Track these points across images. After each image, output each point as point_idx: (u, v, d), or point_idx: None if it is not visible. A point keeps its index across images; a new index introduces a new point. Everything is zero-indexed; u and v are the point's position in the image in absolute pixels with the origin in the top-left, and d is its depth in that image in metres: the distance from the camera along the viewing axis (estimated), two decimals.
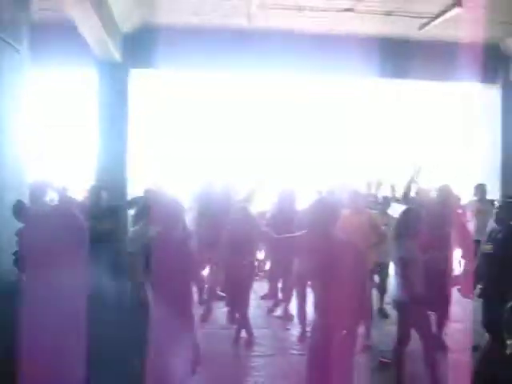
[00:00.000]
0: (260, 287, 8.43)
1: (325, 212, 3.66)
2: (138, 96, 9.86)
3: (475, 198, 8.52)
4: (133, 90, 9.41)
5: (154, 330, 3.67)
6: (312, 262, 3.81)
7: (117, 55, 8.59)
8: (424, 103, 14.17)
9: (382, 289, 7.57)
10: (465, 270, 7.12)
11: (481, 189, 8.59)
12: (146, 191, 6.93)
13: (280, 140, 15.82)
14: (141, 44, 8.84)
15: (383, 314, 7.39)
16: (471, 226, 7.40)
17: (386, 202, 7.67)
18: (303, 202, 7.07)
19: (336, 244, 3.58)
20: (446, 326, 6.39)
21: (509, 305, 2.15)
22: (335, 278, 3.48)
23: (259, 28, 8.84)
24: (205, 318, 7.22)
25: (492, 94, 10.38)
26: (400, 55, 9.49)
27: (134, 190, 9.34)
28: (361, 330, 5.53)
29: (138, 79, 9.71)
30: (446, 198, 6.30)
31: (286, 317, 7.45)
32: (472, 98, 11.39)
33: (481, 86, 10.50)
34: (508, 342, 2.09)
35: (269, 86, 13.19)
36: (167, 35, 8.69)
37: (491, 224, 6.06)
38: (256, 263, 7.37)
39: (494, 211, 5.77)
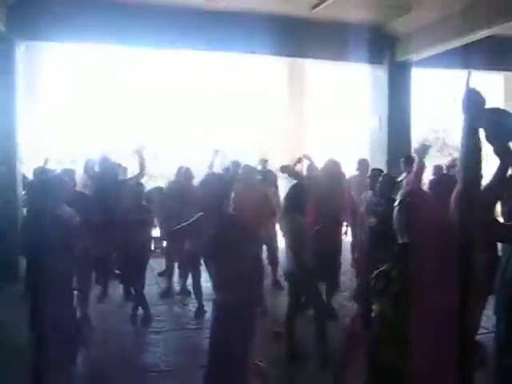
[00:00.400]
0: (158, 264, 8.45)
1: (213, 188, 3.70)
2: (30, 70, 9.40)
3: (357, 173, 8.63)
4: (22, 63, 8.91)
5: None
6: (202, 239, 3.86)
7: (1, 26, 8.09)
8: (316, 82, 14.59)
9: (274, 261, 7.83)
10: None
11: (363, 164, 8.70)
12: (35, 170, 6.70)
13: (173, 115, 15.75)
14: (29, 15, 8.36)
15: (277, 286, 7.64)
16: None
17: (273, 176, 7.86)
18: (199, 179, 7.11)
19: (225, 220, 3.65)
20: (335, 294, 6.71)
21: (375, 272, 2.35)
22: (226, 254, 3.56)
23: (154, 2, 8.68)
24: (101, 296, 7.14)
25: (379, 74, 10.86)
26: (294, 34, 9.66)
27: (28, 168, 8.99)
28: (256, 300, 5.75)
29: (29, 52, 9.23)
30: (334, 173, 6.56)
31: (183, 293, 7.54)
32: (361, 77, 11.87)
33: (369, 66, 10.96)
34: (373, 306, 2.30)
35: (164, 62, 13.03)
36: (56, 6, 8.31)
37: (368, 196, 6.42)
38: (152, 240, 7.35)
39: (378, 185, 6.08)
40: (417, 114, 11.15)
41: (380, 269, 2.34)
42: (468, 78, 2.12)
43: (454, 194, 2.25)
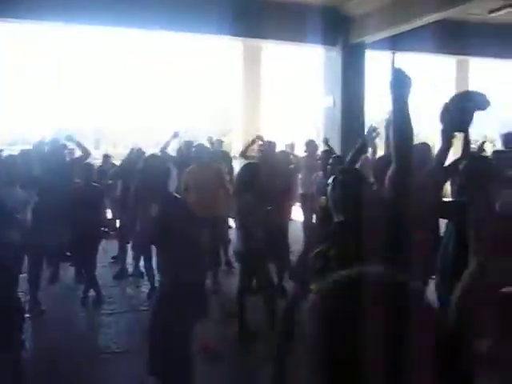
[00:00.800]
0: (111, 245, 8.35)
1: (154, 169, 3.65)
2: None
3: (306, 154, 8.65)
4: None
5: None
6: (149, 221, 3.82)
7: None
8: (272, 62, 14.59)
9: (226, 241, 7.81)
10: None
11: (311, 145, 8.74)
12: None
13: (130, 95, 15.55)
14: None
15: (229, 266, 7.66)
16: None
17: (226, 156, 7.84)
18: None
19: (167, 201, 3.61)
20: (285, 274, 6.77)
21: (313, 252, 2.37)
22: (168, 236, 3.53)
23: None
24: (52, 278, 7.06)
25: (333, 56, 10.89)
26: (249, 15, 9.58)
27: None
28: (207, 280, 5.75)
29: None
30: (269, 154, 6.57)
31: (136, 274, 7.49)
32: (315, 58, 11.90)
33: (323, 48, 10.99)
34: (311, 287, 2.32)
35: (119, 43, 12.78)
36: None
37: (319, 178, 6.48)
38: (104, 221, 7.27)
39: (328, 166, 6.13)
40: (372, 95, 11.27)
41: (318, 249, 2.36)
42: (393, 59, 2.16)
43: (388, 173, 2.28)
